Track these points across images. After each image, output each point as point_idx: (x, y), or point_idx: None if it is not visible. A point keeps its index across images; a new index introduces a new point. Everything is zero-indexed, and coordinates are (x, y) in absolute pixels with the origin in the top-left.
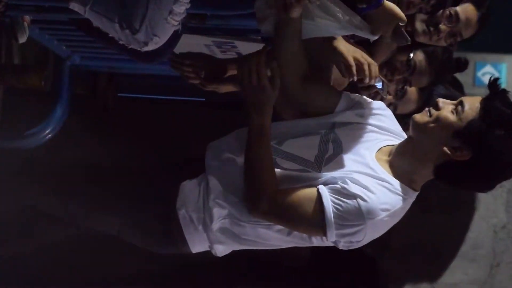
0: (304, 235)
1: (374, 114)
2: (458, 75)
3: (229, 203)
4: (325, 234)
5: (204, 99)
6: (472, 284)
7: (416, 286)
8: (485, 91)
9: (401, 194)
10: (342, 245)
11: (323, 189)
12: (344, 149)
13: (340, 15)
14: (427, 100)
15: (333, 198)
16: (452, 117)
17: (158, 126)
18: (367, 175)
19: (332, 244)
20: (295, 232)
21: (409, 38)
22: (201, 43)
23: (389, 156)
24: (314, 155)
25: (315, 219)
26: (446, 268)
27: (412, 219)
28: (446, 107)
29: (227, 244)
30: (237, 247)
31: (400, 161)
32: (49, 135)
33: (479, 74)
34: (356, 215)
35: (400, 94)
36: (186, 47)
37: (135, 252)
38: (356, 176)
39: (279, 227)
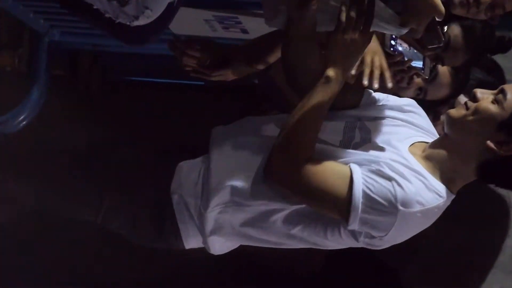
0: (318, 227)
1: (406, 111)
2: (498, 59)
3: (232, 187)
4: (348, 215)
5: (203, 83)
6: None
7: None
8: None
9: (438, 192)
10: (362, 240)
11: (355, 166)
12: (373, 137)
13: None
14: (461, 84)
15: (365, 177)
16: (493, 108)
17: (150, 112)
18: (402, 165)
19: (350, 244)
20: (306, 222)
21: (442, 39)
22: (200, 18)
23: (423, 152)
24: (339, 140)
25: (340, 195)
26: (482, 281)
27: (442, 223)
28: (485, 98)
29: (223, 236)
30: (235, 241)
31: (437, 158)
32: (24, 122)
33: None
34: (388, 200)
35: (432, 76)
36: (183, 23)
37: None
38: (391, 162)
39: (286, 211)
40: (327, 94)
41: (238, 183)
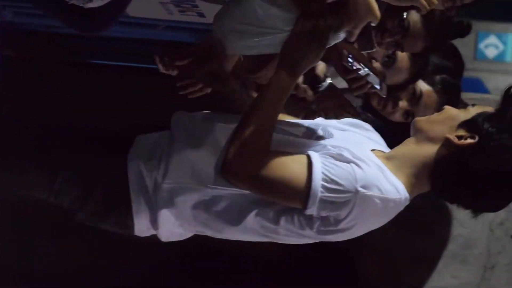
0: (272, 213)
1: (367, 129)
2: (458, 47)
3: (193, 168)
4: (306, 199)
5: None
6: None
7: None
8: (487, 66)
9: (396, 188)
10: (316, 228)
11: (313, 152)
12: (336, 136)
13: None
14: (420, 70)
15: (324, 160)
16: (458, 110)
17: (106, 95)
18: (363, 155)
19: (299, 235)
20: (260, 206)
21: (375, 45)
22: (156, 0)
23: (385, 154)
24: (303, 131)
25: (300, 181)
26: (433, 270)
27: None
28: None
29: (174, 215)
30: (185, 227)
31: (398, 157)
32: None
33: (481, 46)
34: (347, 181)
35: (390, 61)
36: (138, 5)
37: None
38: (352, 150)
39: (240, 195)
40: (279, 93)
41: (200, 165)
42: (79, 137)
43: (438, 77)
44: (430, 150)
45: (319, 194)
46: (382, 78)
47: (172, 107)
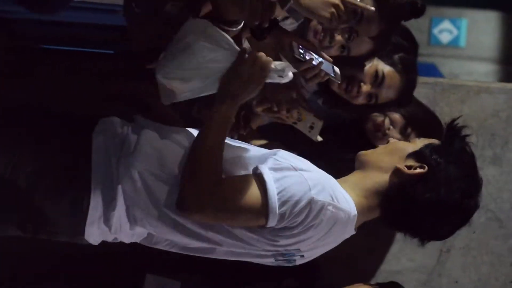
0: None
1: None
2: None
3: (157, 153)
4: (266, 219)
5: (113, 52)
6: (418, 271)
7: (354, 274)
8: (441, 51)
9: (348, 201)
10: (270, 232)
11: (263, 168)
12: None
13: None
14: (384, 40)
15: (276, 175)
16: (406, 143)
17: (63, 82)
18: (315, 167)
19: (251, 242)
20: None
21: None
22: None
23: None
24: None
25: (256, 202)
26: (388, 253)
27: None
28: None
29: (131, 194)
30: (139, 215)
31: (348, 182)
32: None
33: (435, 31)
34: (301, 191)
35: (352, 37)
36: None
37: None
38: (303, 160)
39: None
40: (223, 124)
41: (164, 153)
42: (38, 119)
43: (396, 56)
44: (381, 178)
45: (277, 211)
46: (347, 51)
47: (127, 91)
